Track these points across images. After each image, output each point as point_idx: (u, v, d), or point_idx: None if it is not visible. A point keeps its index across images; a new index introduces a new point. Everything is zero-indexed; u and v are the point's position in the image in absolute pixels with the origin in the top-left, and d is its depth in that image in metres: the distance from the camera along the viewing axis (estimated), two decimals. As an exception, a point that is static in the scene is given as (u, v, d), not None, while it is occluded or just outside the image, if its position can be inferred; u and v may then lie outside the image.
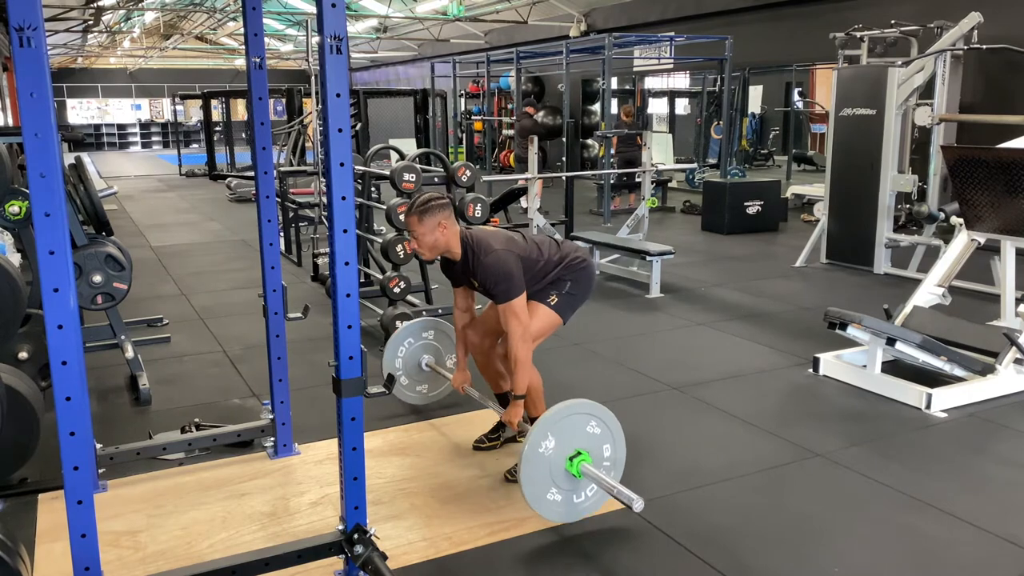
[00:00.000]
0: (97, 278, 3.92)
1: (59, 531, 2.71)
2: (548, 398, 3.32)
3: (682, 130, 15.88)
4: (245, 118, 22.61)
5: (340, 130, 2.10)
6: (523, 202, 7.55)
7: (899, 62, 7.08)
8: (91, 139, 28.29)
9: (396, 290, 4.90)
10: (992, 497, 3.09)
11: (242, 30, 3.10)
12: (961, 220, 4.84)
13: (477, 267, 3.06)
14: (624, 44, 12.53)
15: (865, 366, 4.27)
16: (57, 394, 1.95)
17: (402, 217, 4.68)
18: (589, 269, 3.29)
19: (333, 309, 2.20)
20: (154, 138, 30.49)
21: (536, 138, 6.97)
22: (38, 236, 1.87)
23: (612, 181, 10.62)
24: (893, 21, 7.92)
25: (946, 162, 4.85)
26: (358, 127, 13.15)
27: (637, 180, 9.46)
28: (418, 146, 13.93)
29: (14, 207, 3.76)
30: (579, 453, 2.76)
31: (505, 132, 15.70)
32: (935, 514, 2.95)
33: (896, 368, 4.33)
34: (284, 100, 14.96)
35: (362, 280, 5.94)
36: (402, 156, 5.69)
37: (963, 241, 4.77)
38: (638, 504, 2.57)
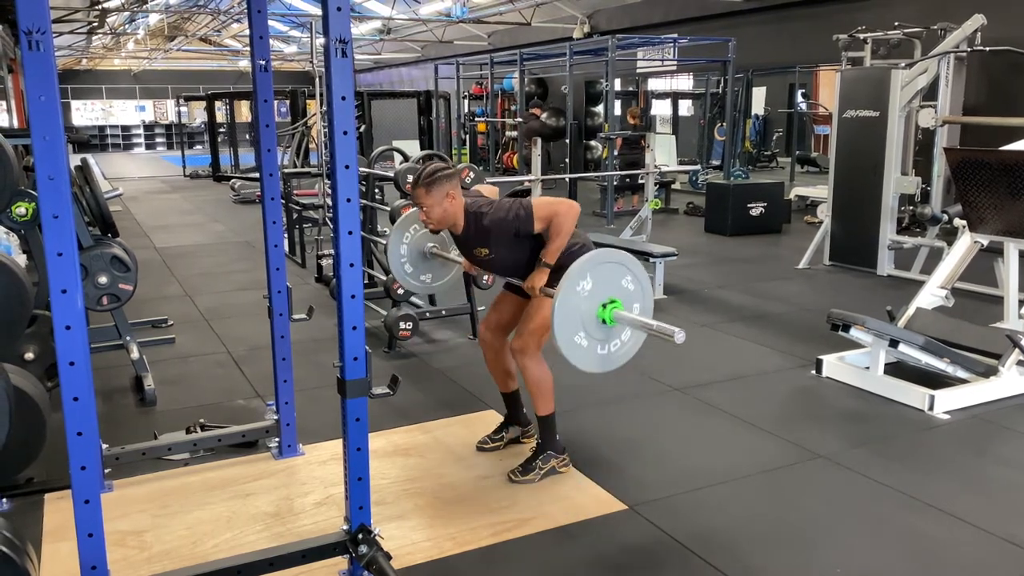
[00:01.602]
0: (103, 279, 3.94)
1: (66, 530, 2.72)
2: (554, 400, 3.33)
3: (685, 132, 15.86)
4: (249, 119, 22.70)
5: (345, 133, 2.12)
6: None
7: (902, 64, 7.07)
8: (95, 141, 28.34)
9: (400, 291, 4.91)
10: (994, 498, 3.10)
11: (246, 32, 3.12)
12: (964, 222, 4.84)
13: (483, 230, 3.01)
14: (627, 46, 12.53)
15: (868, 368, 4.27)
16: (64, 394, 1.97)
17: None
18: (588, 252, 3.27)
19: (338, 310, 2.22)
20: (158, 140, 30.53)
21: (539, 140, 6.99)
22: (46, 238, 1.89)
23: (615, 183, 10.63)
24: (897, 23, 7.91)
25: (949, 164, 4.86)
26: (362, 129, 13.17)
27: (640, 182, 9.46)
28: (422, 147, 13.95)
29: (21, 208, 3.77)
30: (613, 301, 2.66)
31: (508, 134, 15.72)
32: (937, 515, 2.95)
33: (899, 370, 4.33)
34: (288, 102, 14.99)
35: (366, 282, 5.96)
36: (406, 158, 5.71)
37: (966, 243, 4.77)
38: (680, 336, 2.47)
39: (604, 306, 2.65)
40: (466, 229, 3.08)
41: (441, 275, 3.76)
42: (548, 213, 2.98)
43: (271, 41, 3.21)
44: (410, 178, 4.96)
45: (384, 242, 5.12)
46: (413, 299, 5.23)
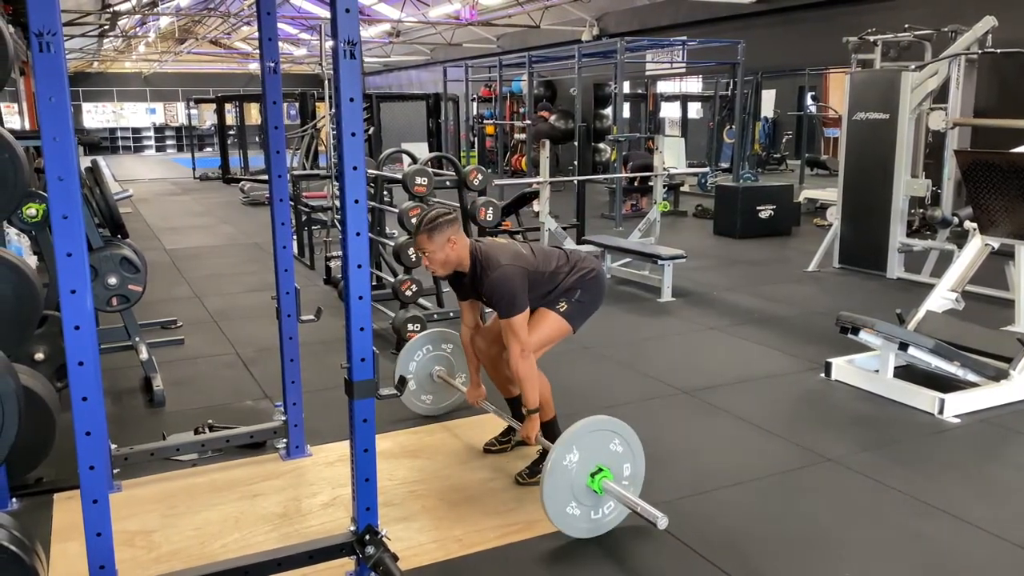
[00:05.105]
0: (112, 280, 3.96)
1: (74, 530, 2.73)
2: (560, 403, 3.33)
3: (695, 134, 15.85)
4: (259, 122, 22.78)
5: (353, 134, 2.12)
6: (535, 206, 7.57)
7: (912, 66, 7.04)
8: (106, 143, 28.49)
9: (408, 293, 4.92)
10: (1005, 503, 3.08)
11: (256, 34, 3.13)
12: (975, 225, 4.81)
13: (484, 281, 3.06)
14: (636, 48, 12.53)
15: (877, 371, 4.25)
16: (74, 394, 1.98)
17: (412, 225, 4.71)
18: (599, 278, 3.29)
19: (346, 312, 2.22)
20: (168, 142, 30.67)
21: (548, 142, 6.98)
22: (56, 238, 1.90)
23: (624, 185, 10.62)
24: (907, 25, 7.88)
25: (959, 166, 4.83)
26: (371, 131, 13.20)
27: (649, 184, 9.45)
28: (430, 150, 13.96)
29: (32, 210, 3.80)
30: (600, 470, 2.77)
31: (517, 136, 15.73)
32: (947, 520, 2.94)
33: (909, 373, 4.31)
34: (297, 104, 15.04)
35: (374, 283, 5.97)
36: (414, 160, 5.72)
37: (977, 246, 4.74)
38: (662, 522, 2.57)
39: (593, 476, 2.76)
40: (471, 272, 3.13)
41: (443, 399, 3.94)
42: (508, 335, 3.03)
43: (281, 44, 3.23)
44: (418, 180, 4.97)
45: (392, 243, 5.13)
46: (421, 301, 5.23)
